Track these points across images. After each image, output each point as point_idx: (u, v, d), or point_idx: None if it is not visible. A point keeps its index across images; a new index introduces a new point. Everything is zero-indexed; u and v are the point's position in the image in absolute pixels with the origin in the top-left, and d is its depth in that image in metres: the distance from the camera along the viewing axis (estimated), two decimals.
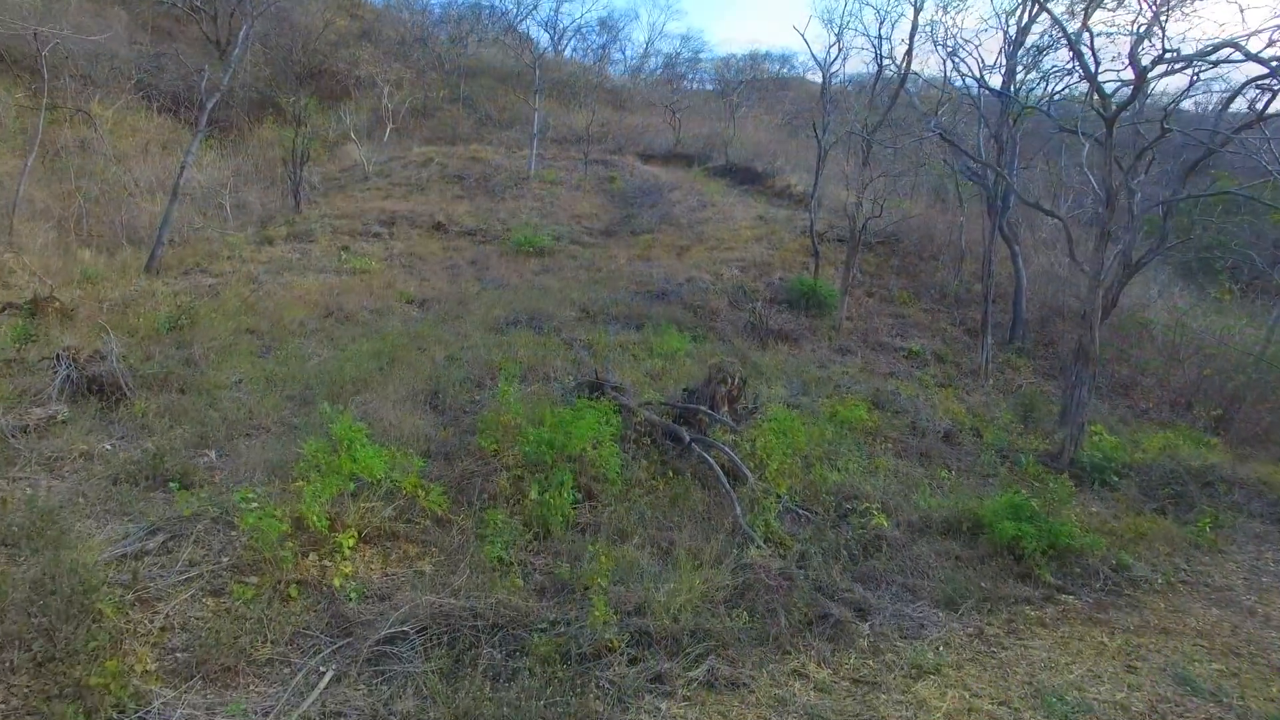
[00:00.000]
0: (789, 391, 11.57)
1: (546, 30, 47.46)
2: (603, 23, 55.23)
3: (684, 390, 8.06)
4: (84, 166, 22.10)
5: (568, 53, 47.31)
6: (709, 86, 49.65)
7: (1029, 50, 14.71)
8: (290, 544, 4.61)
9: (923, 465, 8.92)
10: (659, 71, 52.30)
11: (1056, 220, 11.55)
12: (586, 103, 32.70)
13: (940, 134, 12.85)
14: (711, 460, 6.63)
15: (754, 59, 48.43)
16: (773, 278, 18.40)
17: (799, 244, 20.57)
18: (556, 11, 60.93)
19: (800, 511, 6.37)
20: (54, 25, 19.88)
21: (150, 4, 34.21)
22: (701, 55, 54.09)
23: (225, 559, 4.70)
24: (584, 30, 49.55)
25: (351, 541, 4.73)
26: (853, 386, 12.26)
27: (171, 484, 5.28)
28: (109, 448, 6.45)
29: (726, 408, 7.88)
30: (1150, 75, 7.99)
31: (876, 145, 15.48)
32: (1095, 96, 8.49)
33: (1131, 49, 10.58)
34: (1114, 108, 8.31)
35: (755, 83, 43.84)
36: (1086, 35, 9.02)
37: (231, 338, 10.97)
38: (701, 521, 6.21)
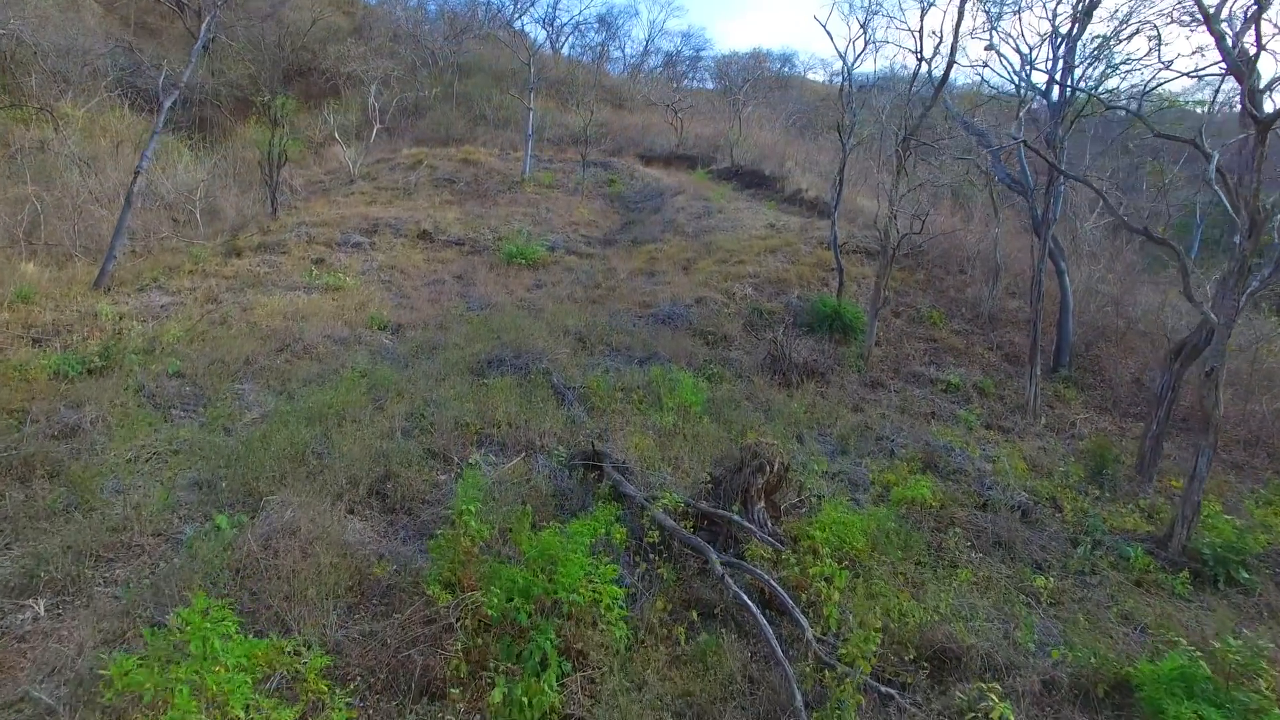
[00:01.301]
0: (824, 448, 9.73)
1: (544, 27, 45.64)
2: (601, 19, 53.33)
3: (708, 480, 6.18)
4: (43, 169, 20.26)
5: (566, 50, 45.45)
6: (710, 85, 47.83)
7: (1092, 40, 12.78)
8: None
9: (1005, 563, 7.08)
10: (659, 70, 50.44)
11: (1147, 237, 9.63)
12: (585, 102, 30.80)
13: (1024, 143, 10.94)
14: (754, 606, 4.73)
15: (756, 57, 46.65)
16: (790, 296, 16.51)
17: (816, 257, 18.69)
18: (554, 8, 59.14)
19: (883, 690, 4.49)
20: (19, 17, 17.93)
21: None
22: (703, 53, 52.26)
23: None
24: (582, 27, 47.72)
25: None
26: (896, 438, 10.42)
27: None
28: None
29: (763, 502, 6.01)
30: None
31: (914, 151, 13.53)
32: (1241, 94, 6.62)
33: (1238, 34, 8.73)
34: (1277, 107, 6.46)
35: (758, 82, 42.00)
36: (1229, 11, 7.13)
37: (154, 385, 9.07)
38: (745, 701, 4.35)
